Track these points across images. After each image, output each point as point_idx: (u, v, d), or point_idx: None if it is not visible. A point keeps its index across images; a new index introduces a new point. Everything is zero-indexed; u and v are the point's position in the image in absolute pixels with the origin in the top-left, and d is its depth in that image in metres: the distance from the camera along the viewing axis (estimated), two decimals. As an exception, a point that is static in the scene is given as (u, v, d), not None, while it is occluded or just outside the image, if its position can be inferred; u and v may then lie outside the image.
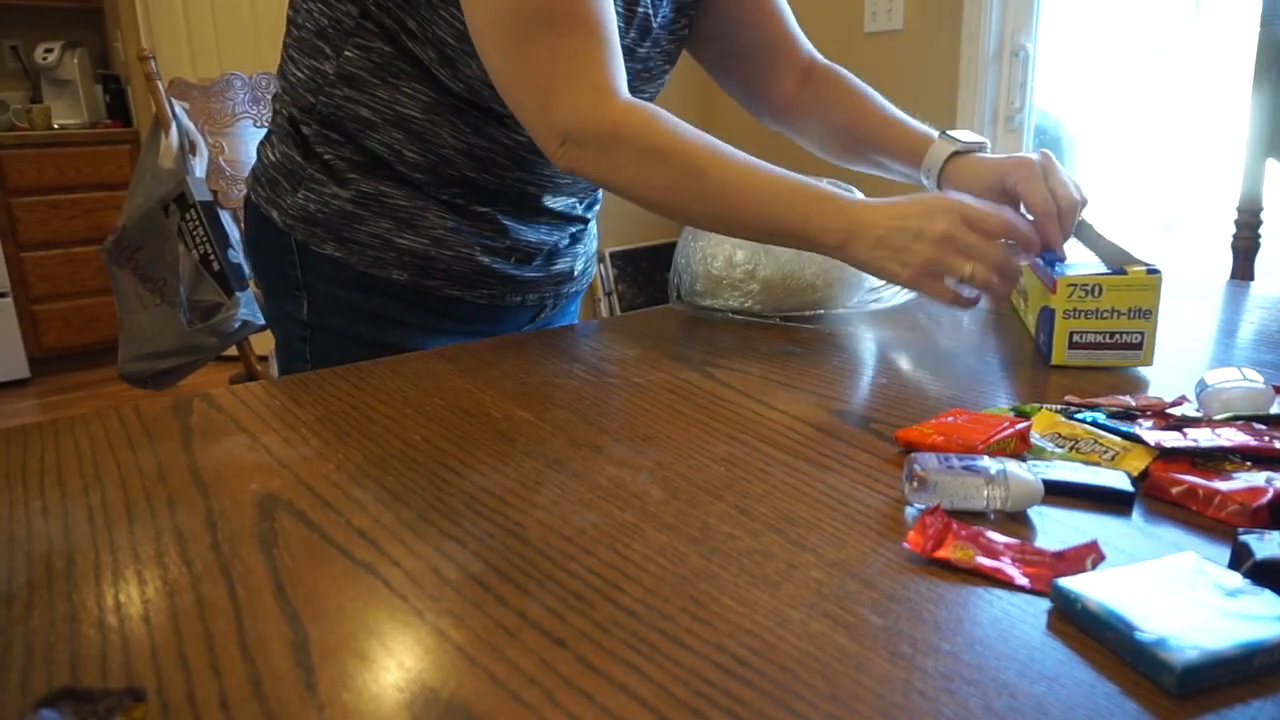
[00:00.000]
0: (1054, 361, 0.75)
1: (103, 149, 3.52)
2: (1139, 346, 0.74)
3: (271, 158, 0.94)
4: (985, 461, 0.51)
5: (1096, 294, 0.73)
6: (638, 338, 0.87)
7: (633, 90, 0.84)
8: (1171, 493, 0.52)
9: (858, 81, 1.03)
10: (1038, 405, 0.64)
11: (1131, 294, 0.73)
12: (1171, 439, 0.56)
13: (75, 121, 3.69)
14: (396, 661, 0.39)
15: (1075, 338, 0.74)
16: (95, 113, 3.75)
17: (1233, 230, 1.66)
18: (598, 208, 1.05)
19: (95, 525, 0.52)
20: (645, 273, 3.43)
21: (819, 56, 1.06)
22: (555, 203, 0.96)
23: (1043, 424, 0.61)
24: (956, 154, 0.92)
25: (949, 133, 0.94)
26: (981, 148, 0.92)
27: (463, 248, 0.91)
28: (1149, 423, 0.60)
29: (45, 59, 3.61)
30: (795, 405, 0.68)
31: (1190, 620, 0.38)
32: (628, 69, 0.87)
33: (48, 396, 3.38)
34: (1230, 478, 0.52)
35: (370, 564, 0.47)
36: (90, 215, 3.51)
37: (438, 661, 0.39)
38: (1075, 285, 0.73)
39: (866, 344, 0.84)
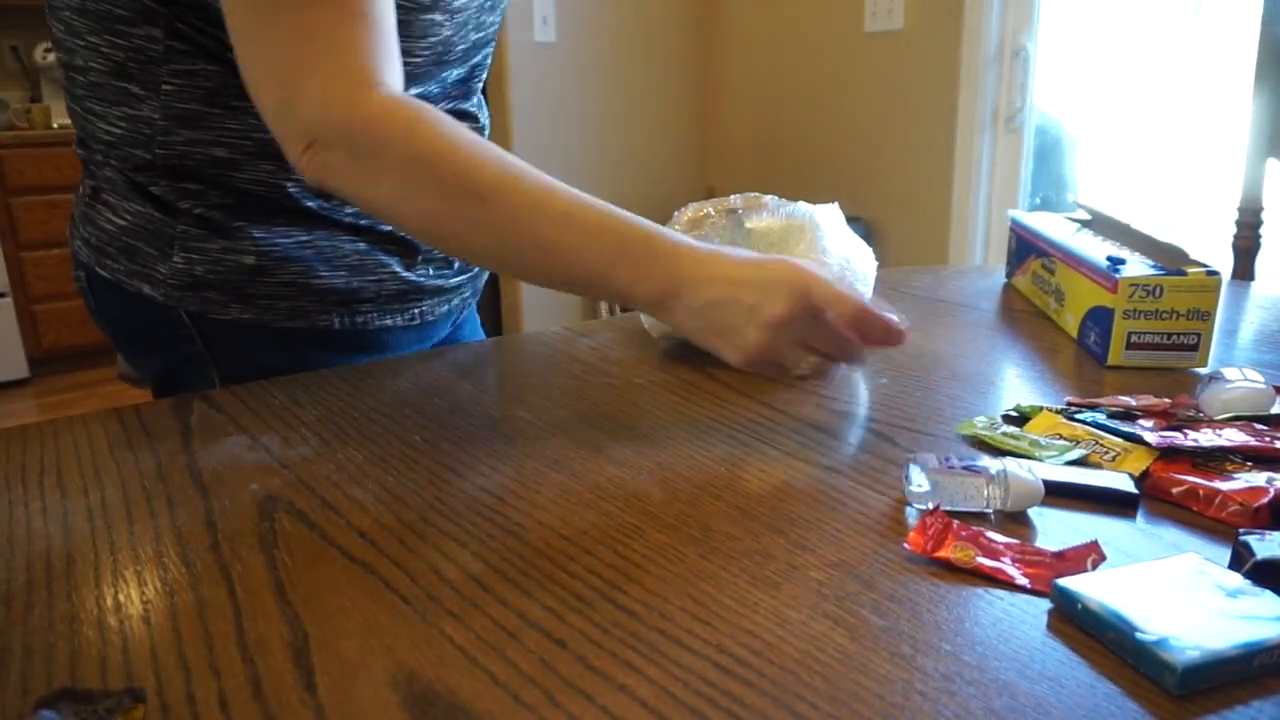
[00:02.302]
0: (1110, 362, 0.75)
1: (103, 149, 3.52)
2: (1195, 348, 0.74)
3: (118, 221, 0.76)
4: (985, 461, 0.51)
5: (1157, 294, 0.73)
6: (638, 338, 0.87)
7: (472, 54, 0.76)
8: (1172, 493, 0.52)
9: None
10: (1039, 406, 0.64)
11: (1192, 295, 0.73)
12: (1172, 439, 0.56)
13: (75, 121, 3.68)
14: (396, 662, 0.39)
15: (1133, 338, 0.74)
16: (95, 113, 3.75)
17: (1233, 230, 1.66)
18: None
19: (95, 525, 0.52)
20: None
21: None
22: None
23: (1043, 425, 0.61)
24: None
25: None
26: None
27: (382, 269, 0.81)
28: (1150, 423, 0.60)
29: (45, 59, 3.61)
30: (795, 405, 0.68)
31: (1191, 621, 0.38)
32: (474, 40, 0.78)
33: (47, 396, 3.38)
34: (1231, 478, 0.52)
35: (370, 564, 0.47)
36: (90, 215, 3.50)
37: (438, 662, 0.39)
38: (1137, 285, 0.73)
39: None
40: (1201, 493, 0.50)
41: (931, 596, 0.43)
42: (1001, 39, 2.45)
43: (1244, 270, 1.66)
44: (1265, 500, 0.49)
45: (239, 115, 0.72)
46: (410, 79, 0.74)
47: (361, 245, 0.80)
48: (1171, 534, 0.48)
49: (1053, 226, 0.95)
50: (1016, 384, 0.73)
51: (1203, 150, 2.19)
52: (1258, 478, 0.51)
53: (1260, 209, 1.64)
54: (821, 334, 0.60)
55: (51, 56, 3.60)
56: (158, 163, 0.73)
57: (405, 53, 0.69)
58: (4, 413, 3.20)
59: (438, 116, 0.62)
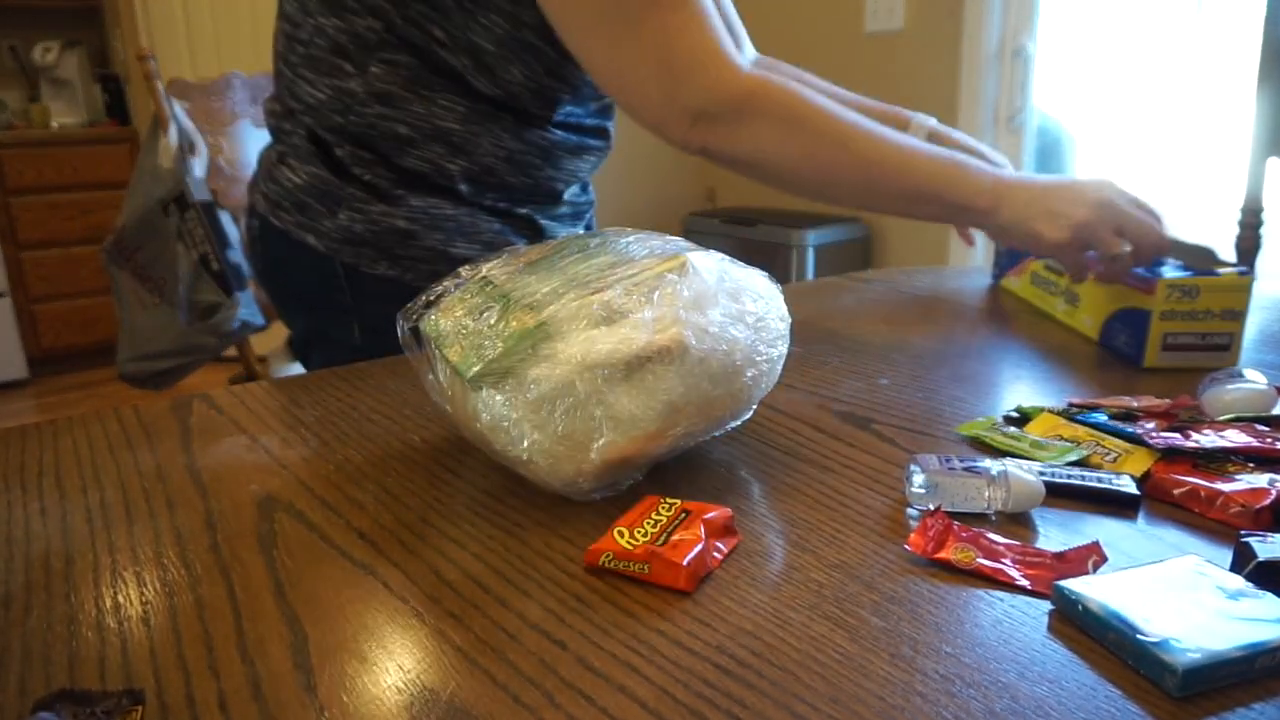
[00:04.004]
0: (1146, 364, 0.75)
1: (101, 148, 3.52)
2: (1227, 348, 0.74)
3: (295, 180, 0.90)
4: (986, 462, 0.51)
5: (1194, 295, 0.73)
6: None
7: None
8: (1174, 494, 0.52)
9: (799, 70, 1.08)
10: (1039, 407, 0.64)
11: (1226, 295, 0.73)
12: (1173, 440, 0.56)
13: (74, 121, 3.68)
14: (396, 663, 0.39)
15: (1169, 339, 0.74)
16: (94, 112, 3.75)
17: (1235, 230, 1.66)
18: (592, 189, 1.06)
19: (94, 526, 0.52)
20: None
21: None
22: (570, 193, 0.97)
23: (1044, 426, 0.61)
24: (932, 133, 0.99)
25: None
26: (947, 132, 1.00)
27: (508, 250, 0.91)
28: (1151, 424, 0.60)
29: (44, 58, 3.61)
30: (795, 405, 0.68)
31: (1192, 622, 0.38)
32: None
33: (47, 397, 3.38)
34: (1232, 479, 0.52)
35: (370, 565, 0.47)
36: (89, 215, 3.51)
37: (437, 663, 0.39)
38: (1175, 287, 0.73)
39: (872, 344, 0.84)
40: (1203, 494, 0.50)
41: (932, 598, 0.42)
42: (1001, 39, 2.45)
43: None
44: (1267, 502, 0.49)
45: (425, 102, 0.84)
46: (575, 96, 0.89)
47: (497, 225, 0.90)
48: (1173, 535, 0.48)
49: None
50: (1017, 385, 0.72)
51: (1204, 150, 2.19)
52: (1259, 479, 0.51)
53: (1262, 209, 1.64)
54: (1135, 222, 0.74)
55: (50, 56, 3.60)
56: (348, 128, 0.86)
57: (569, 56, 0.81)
58: (4, 413, 3.20)
59: (797, 85, 0.77)
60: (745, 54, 0.78)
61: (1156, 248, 0.75)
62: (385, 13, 0.81)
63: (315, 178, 0.88)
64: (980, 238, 0.97)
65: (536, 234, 0.94)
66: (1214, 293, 0.73)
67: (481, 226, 0.89)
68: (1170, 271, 0.75)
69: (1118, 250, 0.75)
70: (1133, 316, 0.76)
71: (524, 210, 0.92)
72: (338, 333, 0.91)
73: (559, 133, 0.89)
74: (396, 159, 0.86)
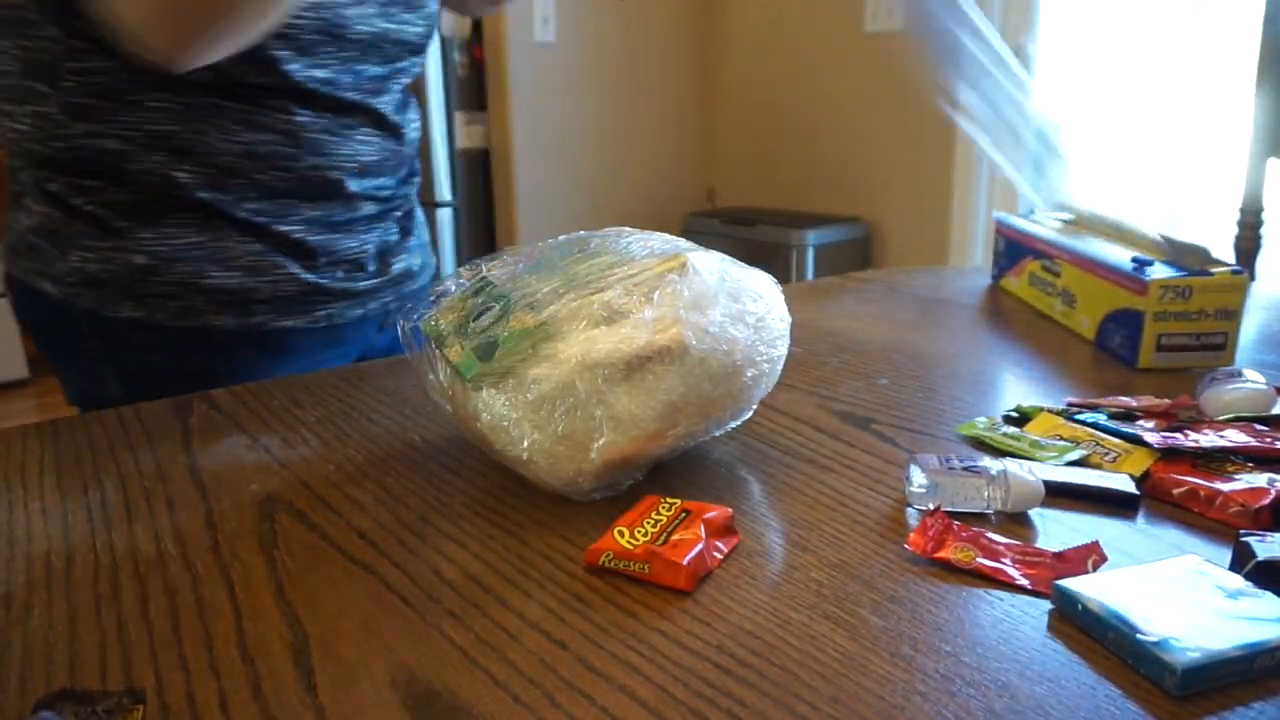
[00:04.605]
0: (1141, 365, 0.75)
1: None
2: (1222, 348, 0.74)
3: (26, 222, 0.79)
4: (986, 462, 0.51)
5: (1186, 295, 0.73)
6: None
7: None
8: (1173, 494, 0.52)
9: None
10: (1039, 407, 0.64)
11: (1220, 295, 0.73)
12: (1173, 440, 0.56)
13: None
14: (396, 662, 0.39)
15: (1164, 340, 0.74)
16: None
17: (1234, 231, 1.66)
18: (417, 180, 0.96)
19: (94, 526, 0.52)
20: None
21: None
22: (364, 185, 0.85)
23: (1044, 426, 0.61)
24: None
25: None
26: None
27: (279, 270, 0.81)
28: (1150, 424, 0.60)
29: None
30: (795, 405, 0.68)
31: (1192, 621, 0.38)
32: (383, 30, 0.80)
33: (47, 396, 3.38)
34: (1232, 479, 0.52)
35: (370, 565, 0.47)
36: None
37: (438, 662, 0.39)
38: (1167, 287, 0.73)
39: (872, 344, 0.84)
40: (1202, 494, 0.50)
41: (932, 597, 0.43)
42: (1002, 39, 2.45)
43: (1245, 270, 1.66)
44: (1266, 501, 0.49)
45: (132, 109, 0.74)
46: (301, 50, 0.75)
47: (257, 246, 0.80)
48: (1172, 535, 0.48)
49: (1047, 227, 0.95)
50: (1017, 385, 0.73)
51: (1203, 151, 2.19)
52: (1259, 479, 0.51)
53: (1261, 209, 1.64)
54: None
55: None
56: (57, 157, 0.75)
57: (292, 15, 0.72)
58: (4, 413, 3.20)
59: None
60: None
61: None
62: (60, 17, 0.71)
63: (45, 217, 0.78)
64: (980, 237, 0.95)
65: (307, 253, 0.82)
66: (1208, 293, 0.73)
67: (237, 250, 0.79)
68: (1163, 271, 0.75)
69: None
70: (1127, 317, 0.76)
71: (285, 228, 0.80)
72: (96, 388, 0.81)
73: (307, 114, 0.78)
74: (117, 179, 0.75)
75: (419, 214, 0.98)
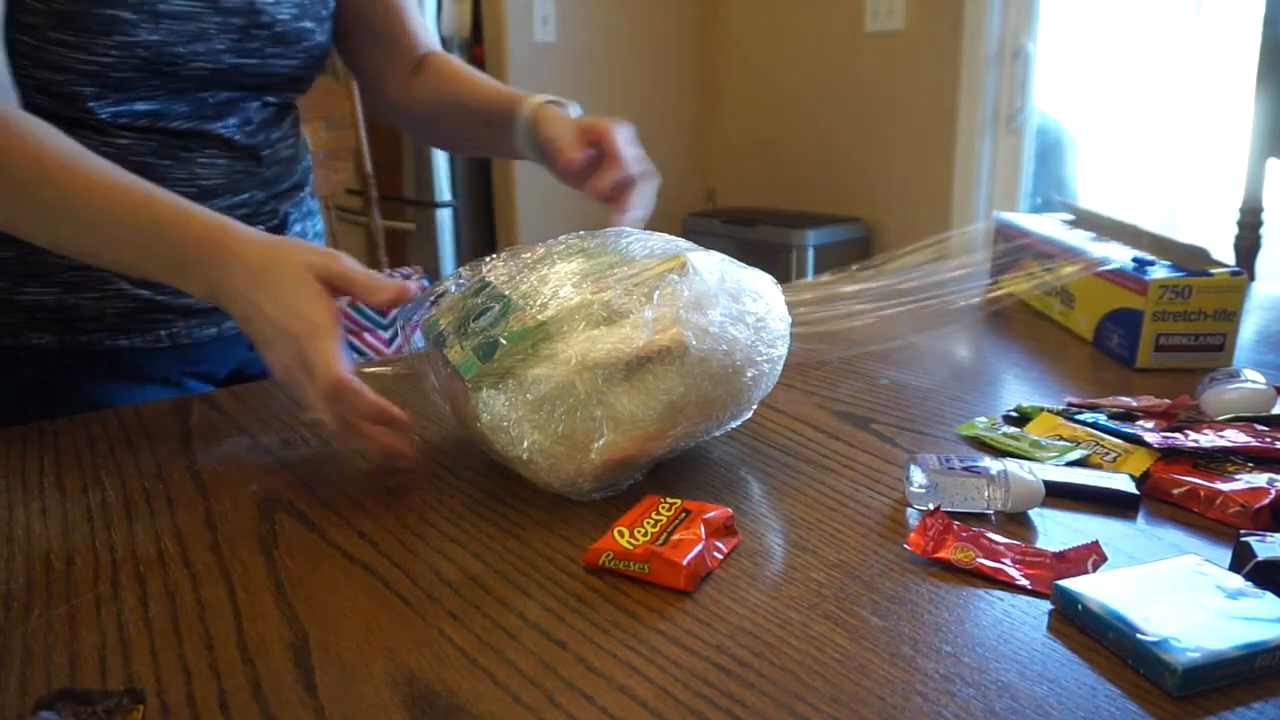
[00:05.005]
0: (1139, 364, 0.75)
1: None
2: (1220, 348, 0.74)
3: None
4: (986, 462, 0.51)
5: (1186, 295, 0.73)
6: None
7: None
8: (1173, 494, 0.52)
9: (465, 64, 0.94)
10: (1039, 407, 0.64)
11: (1219, 295, 0.73)
12: (1173, 440, 0.56)
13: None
14: (396, 663, 0.39)
15: (1162, 340, 0.74)
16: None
17: (1234, 231, 1.66)
18: (301, 193, 0.91)
19: (95, 526, 0.52)
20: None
21: (438, 49, 0.97)
22: (212, 204, 0.73)
23: (1044, 426, 0.61)
24: (549, 103, 0.83)
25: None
26: (568, 106, 0.84)
27: (105, 285, 0.76)
28: (1150, 424, 0.60)
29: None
30: (795, 405, 0.68)
31: (1192, 622, 0.38)
32: (235, 65, 0.75)
33: (48, 396, 3.37)
34: (1232, 479, 0.52)
35: (370, 565, 0.47)
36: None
37: (438, 662, 0.39)
38: (1166, 287, 0.73)
39: (872, 344, 0.84)
40: (1202, 494, 0.50)
41: (932, 597, 0.43)
42: (1002, 39, 2.45)
43: (1245, 271, 1.66)
44: (1266, 501, 0.49)
45: None
46: (115, 87, 0.72)
47: (75, 261, 0.72)
48: (1172, 535, 0.48)
49: (1046, 228, 0.95)
50: (1017, 385, 0.73)
51: (1203, 151, 2.19)
52: (1259, 479, 0.51)
53: (1261, 209, 1.64)
54: (310, 391, 0.55)
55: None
56: None
57: (86, 49, 0.68)
58: (4, 412, 3.20)
59: (12, 115, 0.61)
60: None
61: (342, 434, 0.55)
62: None
63: None
64: (980, 241, 0.93)
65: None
66: (1206, 293, 0.73)
67: (56, 263, 0.74)
68: (1163, 271, 0.75)
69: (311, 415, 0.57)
70: (1125, 317, 0.76)
71: None
72: None
73: (129, 137, 0.74)
74: None
75: (310, 224, 0.94)
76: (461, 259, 3.16)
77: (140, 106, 0.74)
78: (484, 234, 3.31)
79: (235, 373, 0.89)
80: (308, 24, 0.82)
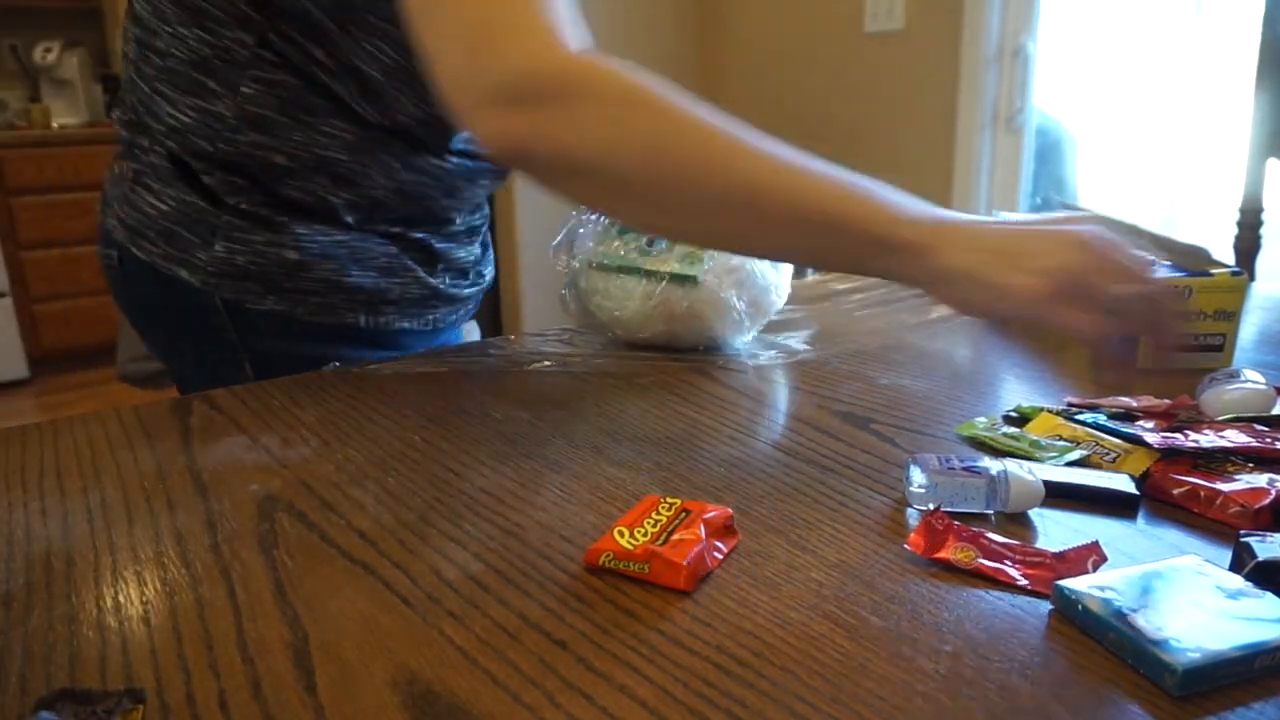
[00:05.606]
0: (1140, 365, 0.75)
1: (102, 148, 3.51)
2: (1220, 349, 0.74)
3: (160, 206, 0.78)
4: (986, 462, 0.51)
5: (1186, 296, 0.73)
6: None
7: None
8: (1173, 494, 0.52)
9: None
10: (1039, 407, 0.64)
11: (1219, 295, 0.73)
12: (1173, 440, 0.56)
13: (74, 121, 3.68)
14: (396, 663, 0.39)
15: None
16: (95, 112, 3.75)
17: (1234, 231, 1.66)
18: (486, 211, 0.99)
19: (94, 526, 0.52)
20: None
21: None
22: (464, 221, 0.90)
23: (1044, 426, 0.61)
24: None
25: None
26: None
27: (408, 273, 0.84)
28: (1150, 424, 0.60)
29: (44, 59, 3.60)
30: (795, 405, 0.68)
31: (1192, 622, 0.38)
32: None
33: (47, 396, 3.37)
34: (1232, 479, 0.52)
35: (370, 565, 0.47)
36: (90, 215, 3.50)
37: (438, 662, 0.39)
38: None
39: (872, 344, 0.84)
40: (1202, 494, 0.50)
41: (932, 597, 0.43)
42: (1001, 39, 2.45)
43: (1245, 271, 1.66)
44: (1266, 501, 0.49)
45: (306, 129, 0.74)
46: (376, 97, 0.75)
47: (392, 249, 0.82)
48: (1172, 535, 0.48)
49: None
50: (1017, 385, 0.73)
51: (1203, 151, 2.19)
52: (1259, 479, 0.51)
53: (1261, 210, 1.64)
54: (1123, 266, 0.53)
55: (51, 56, 3.59)
56: (217, 156, 0.75)
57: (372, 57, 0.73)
58: (4, 413, 3.20)
59: (638, 68, 0.56)
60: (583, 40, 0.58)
61: (1160, 302, 0.55)
62: (256, 26, 0.71)
63: (182, 204, 0.77)
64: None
65: (431, 259, 0.86)
66: (1207, 293, 0.73)
67: (375, 251, 0.82)
68: (1162, 272, 0.75)
69: (1140, 287, 0.53)
70: None
71: (417, 235, 0.84)
72: (227, 372, 0.82)
73: (454, 160, 0.81)
74: (273, 188, 0.77)
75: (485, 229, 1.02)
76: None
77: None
78: (484, 234, 3.30)
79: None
80: None
